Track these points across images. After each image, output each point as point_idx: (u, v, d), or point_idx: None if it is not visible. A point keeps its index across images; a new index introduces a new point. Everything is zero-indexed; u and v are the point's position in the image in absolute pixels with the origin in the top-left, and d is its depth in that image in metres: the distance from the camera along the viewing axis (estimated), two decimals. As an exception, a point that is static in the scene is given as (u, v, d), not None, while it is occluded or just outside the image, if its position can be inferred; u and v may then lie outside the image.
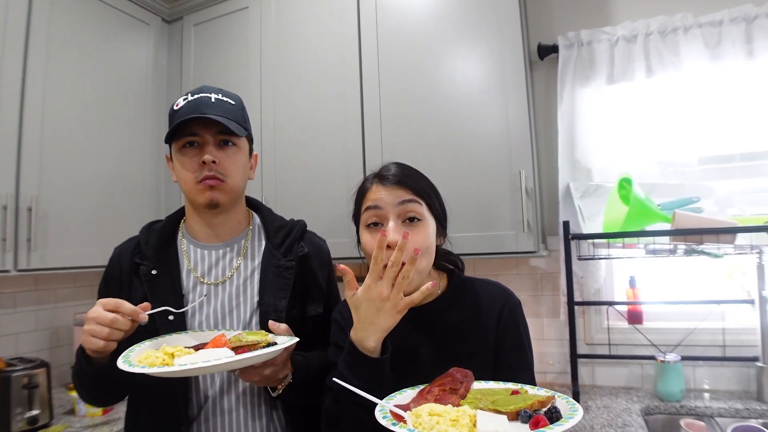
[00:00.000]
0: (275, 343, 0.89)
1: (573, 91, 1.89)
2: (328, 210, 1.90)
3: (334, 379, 0.84)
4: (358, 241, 1.01)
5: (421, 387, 0.83)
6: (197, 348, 0.90)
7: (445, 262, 1.07)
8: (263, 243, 1.14)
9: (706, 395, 1.70)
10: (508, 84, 1.71)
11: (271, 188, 2.01)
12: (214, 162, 1.02)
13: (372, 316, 0.83)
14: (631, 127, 1.84)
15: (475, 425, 0.69)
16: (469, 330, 0.97)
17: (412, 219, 0.93)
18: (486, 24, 1.75)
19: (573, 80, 1.89)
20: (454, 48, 1.79)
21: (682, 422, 1.57)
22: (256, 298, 1.07)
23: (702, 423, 1.57)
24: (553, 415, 0.70)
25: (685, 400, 1.67)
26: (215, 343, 0.89)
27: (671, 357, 1.69)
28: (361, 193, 0.99)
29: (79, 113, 1.92)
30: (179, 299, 1.04)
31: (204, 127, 1.02)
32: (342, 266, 0.88)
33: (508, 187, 1.68)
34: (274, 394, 0.99)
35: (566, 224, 1.70)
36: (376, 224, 0.94)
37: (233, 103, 1.08)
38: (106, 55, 2.05)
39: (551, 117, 1.96)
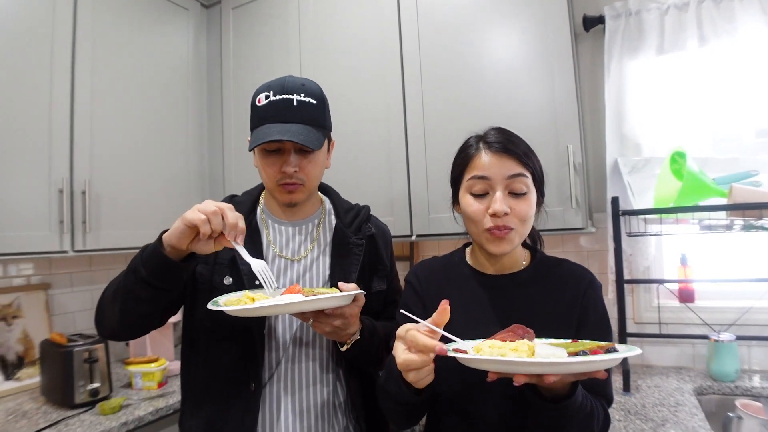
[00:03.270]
0: None
1: (621, 63, 1.82)
2: (369, 193, 1.91)
3: (402, 311, 0.93)
4: (454, 202, 1.03)
5: (481, 340, 0.82)
6: None
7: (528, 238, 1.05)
8: (333, 222, 1.21)
9: (756, 377, 1.65)
10: (553, 58, 1.66)
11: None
12: (295, 171, 1.06)
13: None
14: (683, 99, 1.76)
15: (533, 354, 0.72)
16: (549, 305, 0.96)
17: (518, 194, 0.93)
18: (529, -4, 1.69)
19: (621, 52, 1.82)
20: (497, 23, 1.75)
21: (738, 402, 1.52)
22: (327, 272, 1.15)
23: (759, 404, 1.52)
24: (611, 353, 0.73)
25: (740, 381, 1.62)
26: (290, 290, 0.95)
27: (726, 336, 1.64)
28: (465, 158, 0.98)
29: (124, 98, 1.97)
30: None
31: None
32: None
33: (554, 163, 1.64)
34: (342, 349, 1.05)
35: (615, 200, 1.65)
36: (482, 194, 0.94)
37: (315, 102, 1.07)
38: (148, 41, 2.09)
39: (597, 91, 1.89)
